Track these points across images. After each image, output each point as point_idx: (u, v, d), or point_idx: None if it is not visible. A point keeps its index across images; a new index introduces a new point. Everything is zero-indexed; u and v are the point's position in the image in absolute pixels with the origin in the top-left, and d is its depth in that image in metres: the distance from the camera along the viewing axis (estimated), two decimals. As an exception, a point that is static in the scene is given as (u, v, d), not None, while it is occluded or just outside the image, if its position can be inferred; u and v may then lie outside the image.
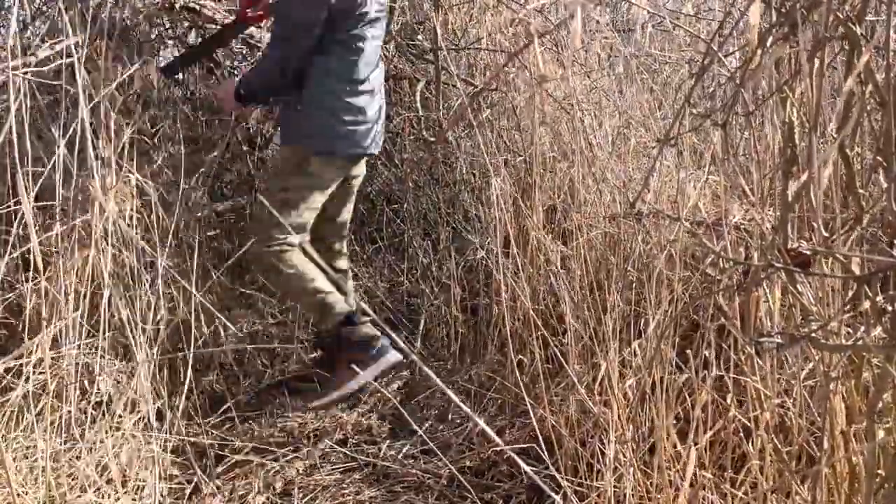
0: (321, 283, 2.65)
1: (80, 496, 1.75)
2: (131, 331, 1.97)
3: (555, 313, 2.20)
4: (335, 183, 2.66)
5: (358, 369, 2.60)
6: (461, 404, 0.71)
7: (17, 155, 1.74)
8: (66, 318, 1.91)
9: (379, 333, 2.70)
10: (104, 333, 1.99)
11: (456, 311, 3.07)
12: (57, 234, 1.98)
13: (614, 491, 1.78)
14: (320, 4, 2.45)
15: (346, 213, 2.84)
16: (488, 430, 0.77)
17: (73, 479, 1.77)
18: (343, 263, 2.89)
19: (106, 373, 1.99)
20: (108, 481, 1.80)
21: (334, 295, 2.67)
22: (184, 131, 2.83)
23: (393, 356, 2.70)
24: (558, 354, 2.21)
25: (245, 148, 3.85)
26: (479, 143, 2.91)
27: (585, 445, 2.09)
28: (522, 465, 0.83)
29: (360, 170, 2.81)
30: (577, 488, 1.91)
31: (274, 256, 2.60)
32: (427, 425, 2.59)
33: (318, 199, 2.63)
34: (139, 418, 1.95)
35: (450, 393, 0.80)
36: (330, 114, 2.55)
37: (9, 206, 1.97)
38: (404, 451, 2.47)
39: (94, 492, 1.78)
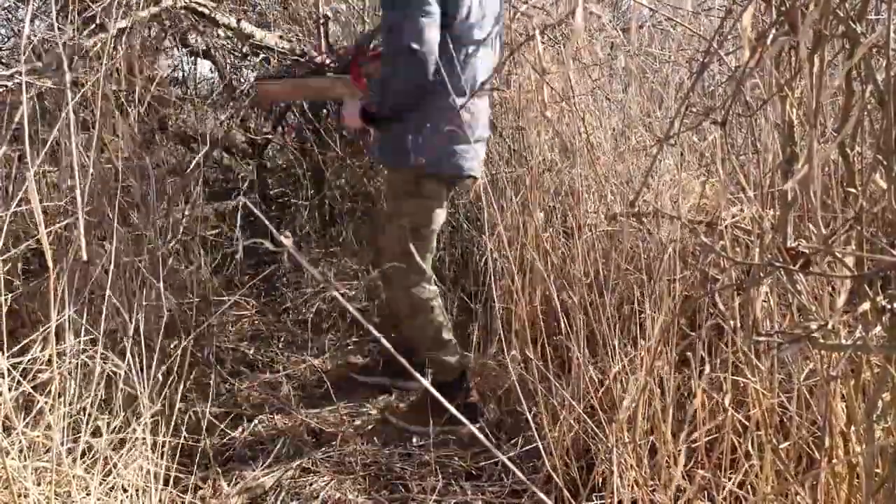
0: (446, 333, 2.62)
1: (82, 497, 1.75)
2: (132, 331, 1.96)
3: (555, 313, 2.19)
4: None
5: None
6: (461, 416, 0.71)
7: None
8: (65, 315, 1.90)
9: None
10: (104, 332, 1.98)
11: (456, 310, 3.07)
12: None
13: (615, 491, 1.78)
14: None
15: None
16: (484, 439, 0.77)
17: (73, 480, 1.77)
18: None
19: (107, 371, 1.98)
20: (111, 488, 1.80)
21: (453, 346, 2.64)
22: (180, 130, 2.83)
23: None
24: (556, 356, 2.21)
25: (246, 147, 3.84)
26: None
27: (589, 455, 2.08)
28: (520, 475, 0.82)
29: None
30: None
31: (414, 303, 2.56)
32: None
33: (439, 221, 2.58)
34: (139, 422, 1.94)
35: (450, 407, 0.80)
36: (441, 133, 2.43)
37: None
38: (401, 453, 2.48)
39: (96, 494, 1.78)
